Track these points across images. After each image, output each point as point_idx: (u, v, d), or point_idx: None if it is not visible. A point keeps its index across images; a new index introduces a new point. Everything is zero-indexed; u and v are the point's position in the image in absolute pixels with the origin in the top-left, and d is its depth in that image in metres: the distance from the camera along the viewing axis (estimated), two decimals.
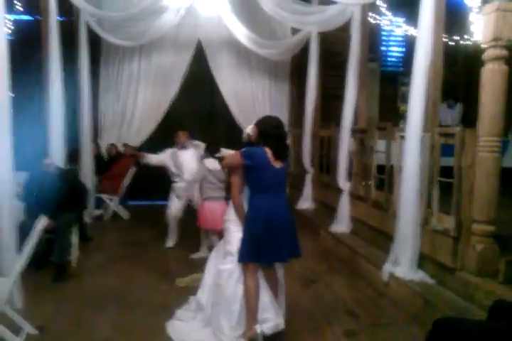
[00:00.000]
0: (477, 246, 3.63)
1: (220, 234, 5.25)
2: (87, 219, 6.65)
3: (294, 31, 8.27)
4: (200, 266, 4.41)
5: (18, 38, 7.33)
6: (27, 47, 7.11)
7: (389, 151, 5.16)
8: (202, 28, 8.26)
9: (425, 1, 4.11)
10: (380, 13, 8.54)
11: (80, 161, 7.11)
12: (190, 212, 5.90)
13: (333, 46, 8.23)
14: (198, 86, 8.66)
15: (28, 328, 3.33)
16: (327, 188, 7.05)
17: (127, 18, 7.16)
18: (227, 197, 3.79)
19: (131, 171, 7.59)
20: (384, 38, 10.28)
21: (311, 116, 7.64)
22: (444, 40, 5.60)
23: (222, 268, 3.33)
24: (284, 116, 9.18)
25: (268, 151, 3.19)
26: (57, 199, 4.75)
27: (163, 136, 8.38)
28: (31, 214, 4.61)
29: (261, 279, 3.28)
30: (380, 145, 5.45)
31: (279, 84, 9.14)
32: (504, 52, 3.61)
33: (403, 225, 4.20)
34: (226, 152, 4.69)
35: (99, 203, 7.53)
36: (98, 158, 7.89)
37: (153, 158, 5.89)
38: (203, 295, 3.49)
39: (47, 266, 4.76)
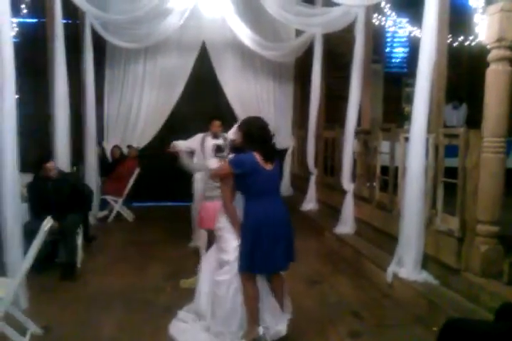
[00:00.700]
0: (481, 247, 3.62)
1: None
2: (91, 220, 6.67)
3: (298, 33, 8.27)
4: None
5: (23, 40, 7.36)
6: (32, 50, 7.14)
7: (393, 152, 5.16)
8: (206, 30, 8.28)
9: (429, 2, 4.10)
10: (384, 15, 8.53)
11: (85, 163, 7.15)
12: None
13: (337, 48, 8.24)
14: (202, 87, 8.68)
15: (34, 328, 3.35)
16: (331, 189, 7.04)
17: (132, 21, 7.18)
18: None
19: (136, 173, 7.61)
20: (388, 39, 10.27)
21: (315, 117, 7.65)
22: (449, 41, 5.60)
23: (220, 279, 3.24)
24: (288, 118, 9.22)
25: (257, 155, 3.11)
26: (61, 202, 4.80)
27: (168, 138, 8.42)
28: (35, 215, 4.66)
29: (262, 286, 3.24)
30: (384, 146, 5.45)
31: (283, 85, 9.15)
32: (508, 53, 3.61)
33: (407, 226, 4.19)
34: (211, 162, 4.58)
35: (104, 205, 7.56)
36: (102, 159, 7.92)
37: (182, 144, 5.82)
38: (199, 303, 3.44)
39: (51, 267, 4.80)
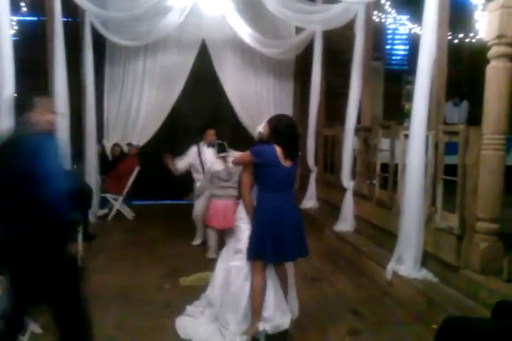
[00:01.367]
0: (481, 244, 3.61)
1: (220, 232, 5.32)
2: (91, 218, 6.68)
3: (298, 30, 8.26)
4: (204, 265, 4.44)
5: (23, 38, 7.36)
6: (32, 48, 7.14)
7: (393, 150, 5.15)
8: (206, 28, 8.26)
9: None
10: (384, 12, 8.51)
11: (85, 161, 7.15)
12: None
13: (337, 45, 8.22)
14: (202, 85, 8.67)
15: (33, 327, 3.34)
16: (331, 187, 7.04)
17: (132, 19, 7.17)
18: (239, 196, 3.80)
19: (136, 171, 7.60)
20: (389, 36, 10.25)
21: (316, 114, 7.64)
22: (449, 38, 5.58)
23: (232, 264, 3.37)
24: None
25: (278, 149, 3.18)
26: None
27: (168, 135, 8.44)
28: None
29: (269, 278, 3.30)
30: (385, 143, 5.44)
31: (283, 83, 9.12)
32: (509, 50, 3.60)
33: (407, 223, 4.19)
34: (234, 153, 4.75)
35: (104, 203, 7.56)
36: (102, 157, 7.92)
37: (182, 165, 5.89)
38: (213, 291, 3.51)
39: None
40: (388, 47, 10.33)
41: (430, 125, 4.28)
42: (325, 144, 7.65)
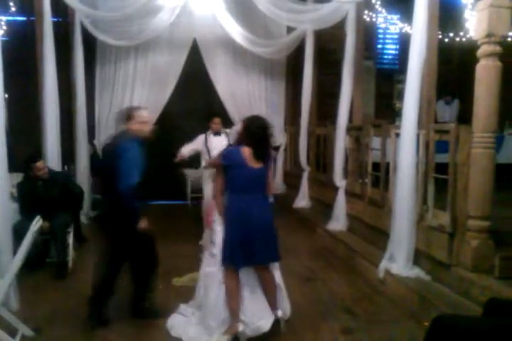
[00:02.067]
0: (472, 242, 3.64)
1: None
2: (83, 219, 6.63)
3: (290, 29, 8.26)
4: (198, 265, 4.41)
5: (12, 38, 7.30)
6: (21, 48, 7.09)
7: (384, 148, 5.17)
8: (197, 27, 8.22)
9: None
10: (375, 11, 8.53)
11: (76, 162, 7.11)
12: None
13: (328, 44, 8.24)
14: (194, 85, 8.65)
15: (24, 330, 3.32)
16: (324, 186, 7.05)
17: (122, 18, 7.12)
18: None
19: None
20: (380, 35, 10.28)
21: (307, 114, 7.65)
22: (439, 37, 5.61)
23: (207, 270, 3.40)
24: (280, 115, 9.18)
25: (246, 151, 3.21)
26: (51, 201, 4.78)
27: (159, 135, 8.39)
28: (25, 215, 4.63)
29: (245, 281, 3.31)
30: (376, 142, 5.45)
31: (275, 82, 9.11)
32: (498, 49, 3.62)
33: (399, 222, 4.20)
34: None
35: (96, 204, 7.51)
36: (94, 158, 7.87)
37: (186, 151, 5.82)
38: (198, 294, 3.52)
39: (43, 267, 4.78)
40: (379, 46, 10.35)
41: (421, 124, 4.30)
42: (317, 143, 7.66)
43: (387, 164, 5.05)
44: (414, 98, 4.14)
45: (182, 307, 3.66)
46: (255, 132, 3.24)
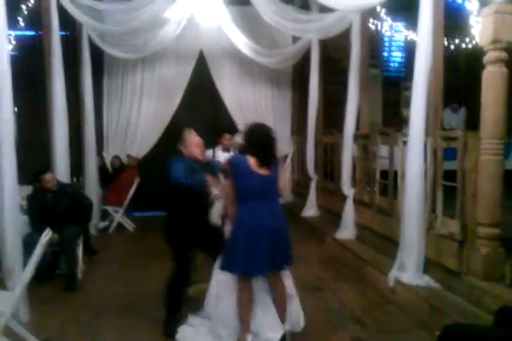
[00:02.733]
0: (482, 250, 3.61)
1: None
2: (92, 231, 6.66)
3: (295, 39, 8.31)
4: (206, 276, 4.40)
5: (21, 53, 7.41)
6: (30, 62, 7.19)
7: (392, 156, 5.15)
8: (203, 39, 8.32)
9: (424, 5, 4.11)
10: (380, 19, 8.56)
11: (85, 174, 7.15)
12: None
13: (334, 53, 8.27)
14: (200, 96, 8.71)
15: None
16: (331, 195, 7.03)
17: (129, 31, 7.20)
18: None
19: (135, 182, 7.60)
20: (385, 43, 10.31)
21: (314, 122, 7.65)
22: (445, 43, 5.61)
23: (219, 279, 3.41)
24: (287, 124, 9.22)
25: (251, 159, 3.21)
26: (60, 213, 4.81)
27: (167, 146, 8.42)
28: (35, 228, 4.66)
29: (256, 292, 3.29)
30: (384, 150, 5.44)
31: (281, 92, 9.17)
32: (504, 55, 3.62)
33: (408, 230, 4.17)
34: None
35: (105, 215, 7.55)
36: (102, 170, 7.93)
37: None
38: (208, 303, 3.51)
39: (53, 279, 4.80)
40: (385, 54, 10.38)
41: (428, 131, 4.29)
42: (324, 152, 7.65)
43: (395, 172, 5.04)
44: (421, 105, 4.14)
45: (190, 318, 3.64)
46: (257, 140, 3.24)
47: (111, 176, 7.87)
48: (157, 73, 8.54)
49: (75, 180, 6.78)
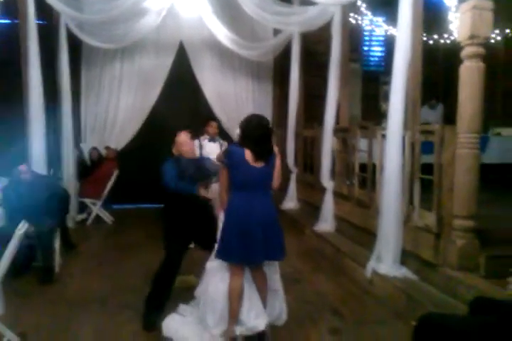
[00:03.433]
0: (458, 242, 3.68)
1: None
2: (70, 223, 6.58)
3: (276, 32, 8.28)
4: (188, 268, 4.40)
5: None
6: (6, 51, 7.02)
7: (371, 150, 5.20)
8: (183, 30, 8.23)
9: (404, 0, 4.14)
10: (360, 13, 8.59)
11: (62, 165, 7.04)
12: None
13: (315, 46, 8.27)
14: (180, 87, 8.63)
15: (10, 335, 3.27)
16: (311, 188, 7.07)
17: (108, 21, 7.09)
18: None
19: (114, 174, 7.52)
20: (365, 37, 10.35)
21: (295, 116, 7.68)
22: (424, 39, 5.66)
23: (209, 266, 3.39)
24: (267, 117, 9.12)
25: (247, 151, 3.18)
26: (37, 205, 4.72)
27: (146, 138, 8.36)
28: (12, 220, 4.58)
29: (246, 281, 3.29)
30: (363, 144, 5.49)
31: (262, 84, 9.14)
32: (481, 50, 3.67)
33: (386, 222, 4.23)
34: None
35: (82, 207, 7.46)
36: (80, 161, 7.82)
37: None
38: (199, 290, 3.49)
39: (29, 272, 4.73)
40: (365, 48, 10.42)
41: (407, 125, 4.33)
42: (304, 145, 7.68)
43: (374, 165, 5.09)
44: (400, 99, 4.18)
45: (182, 307, 3.61)
46: (252, 134, 3.21)
47: (89, 168, 7.78)
48: (137, 64, 8.43)
49: (51, 171, 6.66)
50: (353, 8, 7.83)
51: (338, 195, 6.01)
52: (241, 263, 3.26)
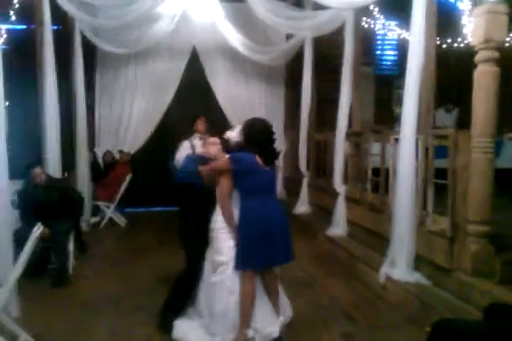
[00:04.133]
0: (472, 247, 3.64)
1: None
2: (84, 226, 6.64)
3: (289, 36, 8.31)
4: None
5: (13, 47, 7.34)
6: (21, 57, 7.12)
7: (384, 154, 5.18)
8: (197, 35, 8.29)
9: (417, 4, 4.14)
10: (373, 18, 8.58)
11: (77, 169, 7.12)
12: None
13: (327, 51, 8.26)
14: (193, 92, 8.68)
15: (25, 337, 3.30)
16: (323, 192, 7.06)
17: (122, 26, 7.17)
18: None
19: (128, 178, 7.58)
20: (378, 42, 10.33)
21: (307, 120, 7.67)
22: (437, 42, 5.64)
23: (214, 280, 3.28)
24: (279, 121, 9.21)
25: (257, 157, 3.19)
26: (51, 208, 4.78)
27: (159, 142, 8.41)
28: (26, 222, 4.64)
29: (257, 285, 3.28)
30: (376, 148, 5.47)
31: (274, 89, 9.17)
32: (495, 54, 3.65)
33: (399, 227, 4.20)
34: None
35: (96, 210, 7.53)
36: (94, 165, 7.90)
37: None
38: (199, 302, 3.45)
39: (44, 274, 4.79)
40: (378, 52, 10.40)
41: (420, 129, 4.32)
42: (317, 149, 7.68)
43: (387, 170, 5.07)
44: (413, 103, 4.16)
45: (190, 310, 3.57)
46: (259, 138, 3.20)
47: (103, 171, 7.85)
48: (150, 69, 8.52)
49: (66, 175, 6.74)
50: (366, 12, 7.81)
51: (350, 199, 5.99)
52: (264, 267, 3.26)
